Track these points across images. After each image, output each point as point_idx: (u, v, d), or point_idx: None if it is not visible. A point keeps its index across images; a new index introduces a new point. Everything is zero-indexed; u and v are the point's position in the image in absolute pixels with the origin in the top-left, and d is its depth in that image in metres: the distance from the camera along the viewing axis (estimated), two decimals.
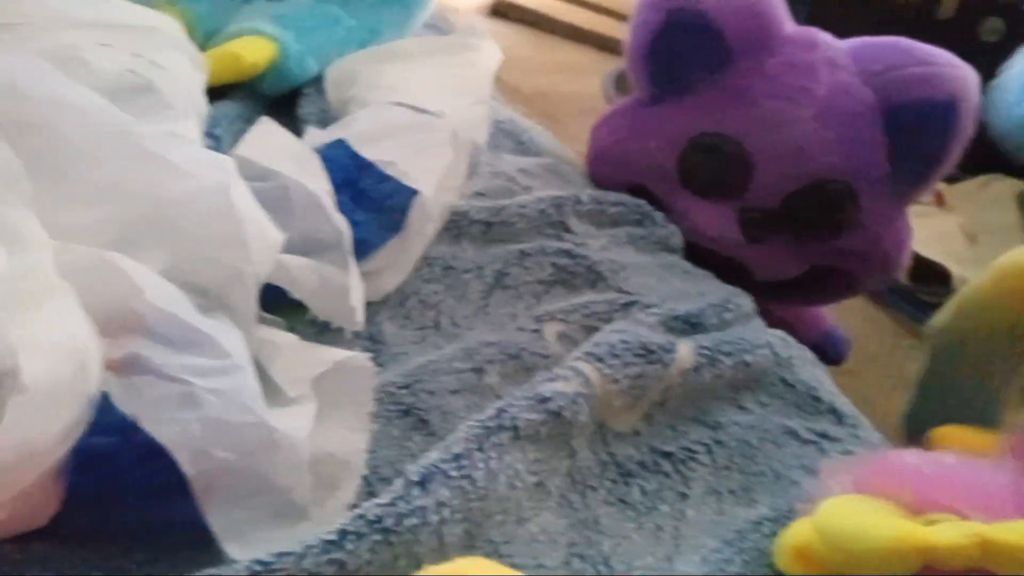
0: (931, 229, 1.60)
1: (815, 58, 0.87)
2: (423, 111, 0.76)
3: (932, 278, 1.53)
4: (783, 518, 0.53)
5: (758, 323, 0.72)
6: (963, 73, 0.85)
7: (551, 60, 2.21)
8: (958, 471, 0.50)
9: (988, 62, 1.93)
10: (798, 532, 0.49)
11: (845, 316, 1.42)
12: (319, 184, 0.63)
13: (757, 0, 0.87)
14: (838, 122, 0.86)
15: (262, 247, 0.54)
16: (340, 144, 0.69)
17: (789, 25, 0.89)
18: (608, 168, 0.94)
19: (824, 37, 0.90)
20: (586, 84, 2.05)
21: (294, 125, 0.81)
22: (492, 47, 0.93)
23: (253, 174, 0.62)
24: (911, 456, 0.52)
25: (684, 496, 0.56)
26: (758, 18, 0.86)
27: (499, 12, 2.35)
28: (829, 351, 1.09)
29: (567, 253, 0.74)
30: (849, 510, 0.46)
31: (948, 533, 0.42)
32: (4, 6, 0.64)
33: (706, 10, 0.85)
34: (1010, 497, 0.48)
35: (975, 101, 0.85)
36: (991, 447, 0.59)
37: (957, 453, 0.54)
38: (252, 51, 0.82)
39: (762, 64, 0.87)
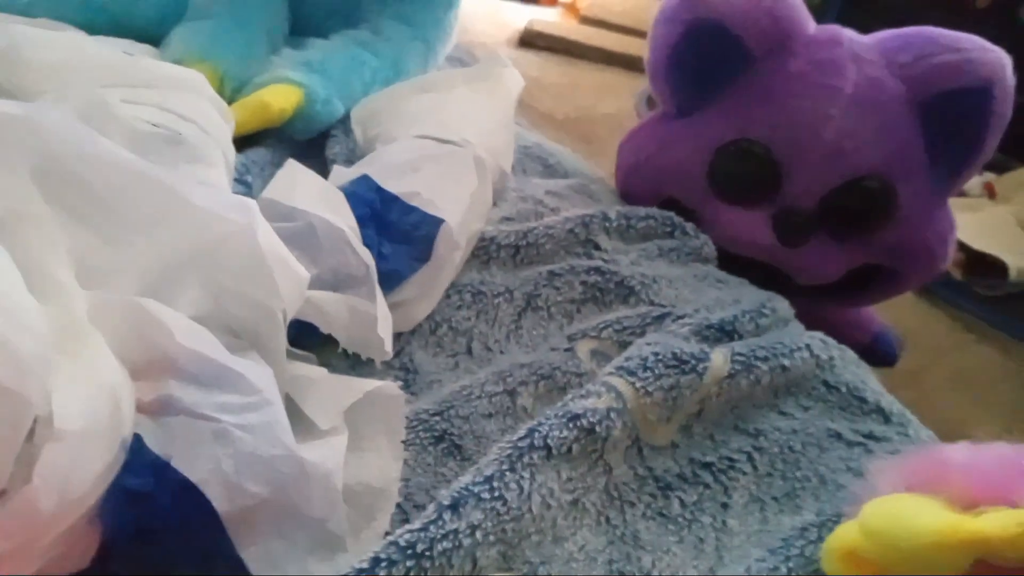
0: (983, 221, 1.56)
1: (840, 55, 0.86)
2: (447, 141, 0.77)
3: (988, 271, 1.49)
4: (830, 523, 0.51)
5: (796, 326, 0.71)
6: (996, 57, 0.83)
7: (582, 84, 2.23)
8: (1013, 461, 0.48)
9: None
10: (845, 534, 0.47)
11: (902, 316, 1.39)
12: (344, 220, 0.64)
13: (775, 3, 0.86)
14: (870, 117, 0.84)
15: (289, 285, 0.55)
16: (364, 179, 0.70)
17: (810, 24, 0.88)
18: (638, 183, 0.94)
19: (848, 33, 0.88)
20: (619, 104, 2.05)
21: (323, 166, 0.83)
22: (513, 74, 0.94)
23: (280, 214, 0.63)
24: (962, 450, 0.50)
25: (726, 506, 0.55)
26: (776, 21, 0.85)
27: (527, 42, 2.39)
28: (881, 352, 1.06)
29: (597, 270, 0.74)
30: (895, 507, 0.45)
31: (999, 522, 0.40)
32: (40, 73, 0.67)
33: (723, 17, 0.85)
34: None
35: (1010, 84, 0.83)
36: None
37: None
38: (279, 98, 0.85)
39: (785, 66, 0.86)
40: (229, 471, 0.44)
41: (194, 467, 0.43)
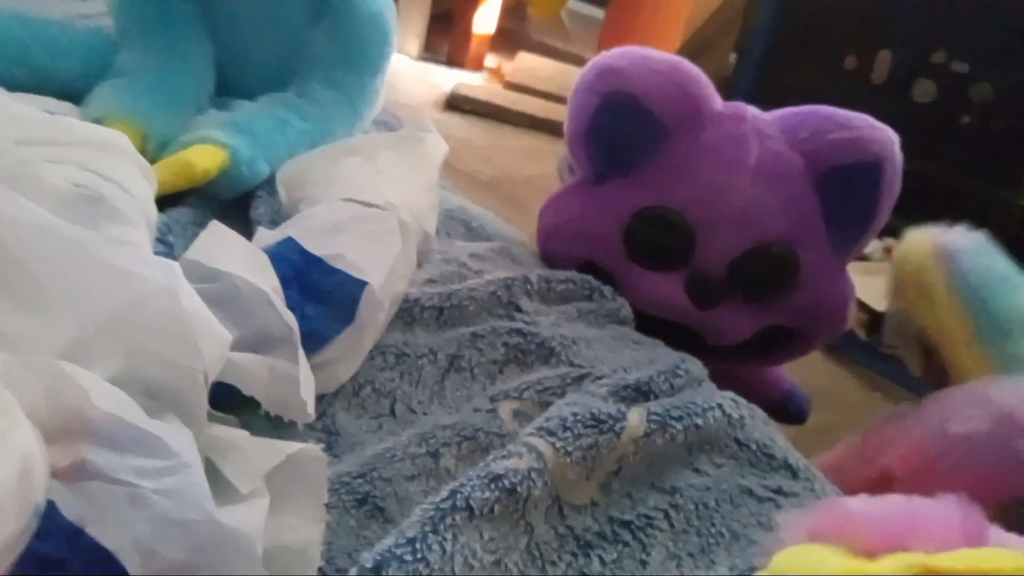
0: (884, 284, 1.65)
1: (745, 129, 0.91)
2: (371, 205, 0.79)
3: None
4: None
5: (709, 386, 0.74)
6: (884, 134, 0.90)
7: (507, 147, 2.28)
8: (906, 511, 0.51)
9: (923, 121, 2.03)
10: None
11: (811, 375, 1.45)
12: (268, 281, 0.64)
13: (684, 80, 0.91)
14: (773, 187, 0.90)
15: (211, 346, 0.55)
16: (288, 241, 0.70)
17: (717, 101, 0.94)
18: (558, 247, 0.97)
19: (751, 110, 0.94)
20: (541, 168, 2.11)
21: (248, 227, 0.83)
22: (437, 139, 0.97)
23: (203, 276, 0.63)
24: (859, 501, 0.53)
25: (644, 563, 0.57)
26: (686, 96, 0.90)
27: (453, 105, 2.44)
28: (791, 409, 1.11)
29: (518, 332, 0.75)
30: (800, 557, 0.47)
31: (891, 565, 0.43)
32: None
33: (637, 92, 0.90)
34: (959, 531, 0.49)
35: (898, 159, 0.90)
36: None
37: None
38: (204, 158, 0.85)
39: (696, 138, 0.91)
40: (145, 537, 0.43)
41: (109, 533, 0.42)
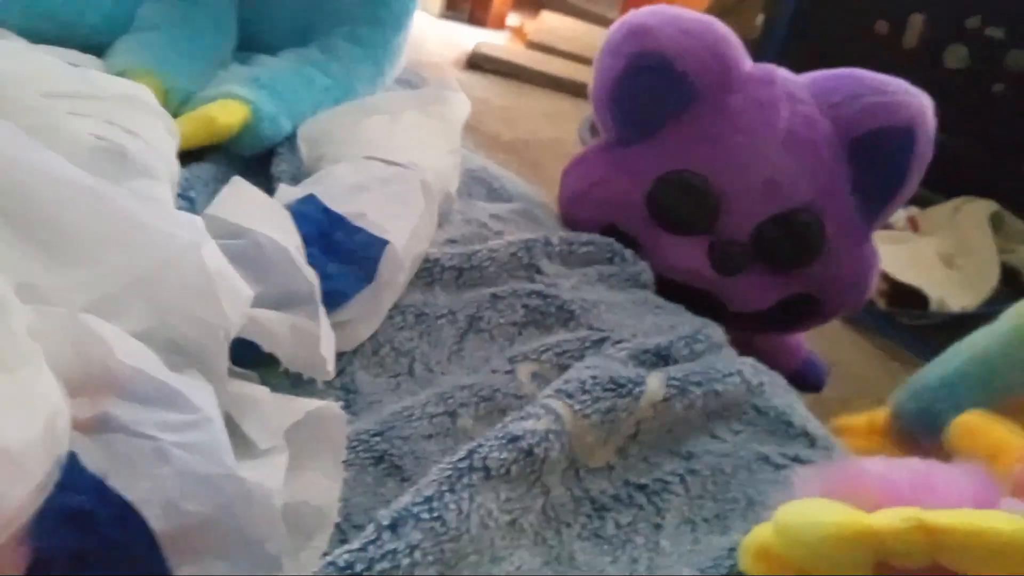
0: (907, 254, 1.63)
1: (775, 93, 0.90)
2: (394, 163, 0.78)
3: (910, 302, 1.55)
4: None
5: (729, 352, 0.73)
6: (918, 100, 0.87)
7: (528, 109, 2.26)
8: (921, 474, 0.51)
9: (953, 89, 1.99)
10: (759, 533, 0.49)
11: (830, 345, 1.44)
12: (290, 239, 0.64)
13: (715, 41, 0.89)
14: (800, 153, 0.88)
15: (233, 303, 0.55)
16: (310, 199, 0.70)
17: (747, 63, 0.92)
18: (580, 210, 0.96)
19: (782, 73, 0.92)
20: (563, 130, 2.09)
21: (269, 184, 0.83)
22: (461, 98, 0.96)
23: (225, 232, 0.63)
24: (874, 462, 0.53)
25: (659, 527, 0.57)
26: (717, 58, 0.89)
27: (475, 64, 2.41)
28: (809, 378, 1.10)
29: (539, 294, 0.75)
30: (805, 507, 0.47)
31: (888, 517, 0.42)
32: None
33: (666, 53, 0.88)
34: (970, 495, 0.48)
35: (932, 126, 0.87)
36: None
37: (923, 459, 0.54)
38: (226, 113, 0.84)
39: (723, 102, 0.89)
40: (167, 490, 0.43)
41: (131, 486, 0.42)
